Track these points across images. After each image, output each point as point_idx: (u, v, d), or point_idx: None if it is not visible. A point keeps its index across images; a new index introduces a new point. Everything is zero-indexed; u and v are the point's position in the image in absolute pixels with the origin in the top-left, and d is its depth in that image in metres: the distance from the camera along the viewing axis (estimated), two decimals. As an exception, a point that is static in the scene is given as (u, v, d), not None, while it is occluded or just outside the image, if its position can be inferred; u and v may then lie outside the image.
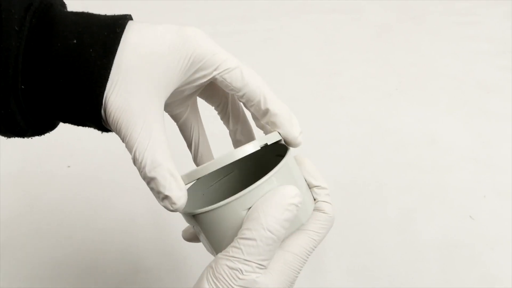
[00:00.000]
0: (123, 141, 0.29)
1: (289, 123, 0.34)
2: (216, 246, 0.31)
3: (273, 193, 0.29)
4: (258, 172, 0.37)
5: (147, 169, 0.28)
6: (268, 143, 0.31)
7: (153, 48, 0.29)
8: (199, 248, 0.56)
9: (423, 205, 0.60)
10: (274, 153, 0.36)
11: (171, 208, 0.28)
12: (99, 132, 0.31)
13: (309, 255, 0.31)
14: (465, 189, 0.62)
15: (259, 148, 0.31)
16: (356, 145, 0.66)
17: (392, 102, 0.71)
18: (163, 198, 0.28)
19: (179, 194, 0.28)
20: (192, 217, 0.31)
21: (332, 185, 0.38)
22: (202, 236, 0.32)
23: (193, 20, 0.77)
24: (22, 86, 0.27)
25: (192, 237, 0.38)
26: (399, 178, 0.63)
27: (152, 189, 0.29)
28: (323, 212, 0.32)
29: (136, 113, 0.28)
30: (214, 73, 0.31)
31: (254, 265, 0.28)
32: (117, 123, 0.28)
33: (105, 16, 0.30)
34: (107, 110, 0.28)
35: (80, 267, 0.55)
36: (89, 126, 0.31)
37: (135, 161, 0.29)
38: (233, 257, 0.28)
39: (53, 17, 0.28)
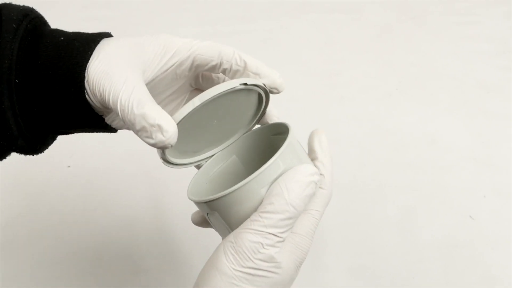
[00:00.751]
0: (108, 101, 0.29)
1: (268, 69, 0.36)
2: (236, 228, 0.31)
3: (294, 170, 0.30)
4: (256, 155, 0.37)
5: (135, 107, 0.28)
6: (248, 83, 0.32)
7: (130, 40, 0.32)
8: (199, 248, 0.56)
9: (423, 205, 0.60)
10: (270, 134, 0.36)
11: (164, 138, 0.28)
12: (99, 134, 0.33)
13: (314, 234, 0.32)
14: (465, 189, 0.62)
15: (239, 85, 0.32)
16: (356, 145, 0.66)
17: (392, 102, 0.71)
18: (155, 130, 0.28)
19: (171, 122, 0.28)
20: (209, 204, 0.31)
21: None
22: (219, 222, 0.32)
23: (193, 20, 0.77)
24: (16, 80, 0.29)
25: (202, 221, 0.38)
26: (399, 178, 0.63)
27: (141, 129, 0.28)
28: (322, 188, 0.33)
29: (117, 74, 0.29)
30: (189, 53, 0.33)
31: (275, 238, 0.29)
32: (100, 85, 0.29)
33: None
34: (89, 78, 0.30)
35: (80, 267, 0.55)
36: (82, 127, 0.33)
37: (121, 108, 0.28)
38: (255, 230, 0.29)
39: (45, 24, 0.33)
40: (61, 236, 0.57)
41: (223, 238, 0.33)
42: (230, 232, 0.32)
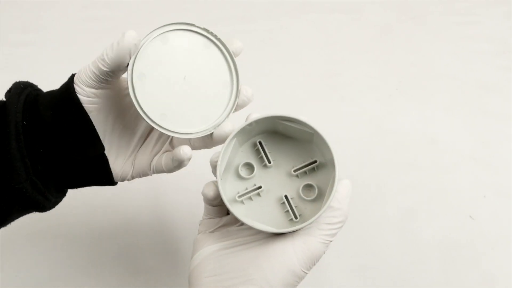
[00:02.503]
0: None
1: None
2: None
3: (342, 187, 0.39)
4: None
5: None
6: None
7: None
8: (199, 248, 0.56)
9: (423, 205, 0.60)
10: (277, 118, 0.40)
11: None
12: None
13: None
14: (465, 189, 0.62)
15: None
16: (356, 145, 0.66)
17: (392, 102, 0.71)
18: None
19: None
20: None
21: (332, 185, 0.38)
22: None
23: (193, 20, 0.77)
24: (24, 122, 0.36)
25: (216, 196, 0.40)
26: (399, 178, 0.63)
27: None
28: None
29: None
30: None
31: (329, 245, 0.37)
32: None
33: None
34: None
35: (80, 267, 0.55)
36: (87, 167, 0.39)
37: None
38: (323, 240, 0.37)
39: (38, 90, 0.41)
40: (61, 236, 0.57)
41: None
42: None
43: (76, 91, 0.37)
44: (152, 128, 0.43)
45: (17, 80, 0.40)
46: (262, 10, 0.81)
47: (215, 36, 0.41)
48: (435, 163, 0.64)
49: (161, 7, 0.79)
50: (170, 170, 0.42)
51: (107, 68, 0.37)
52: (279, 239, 0.37)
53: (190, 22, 0.40)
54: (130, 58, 0.37)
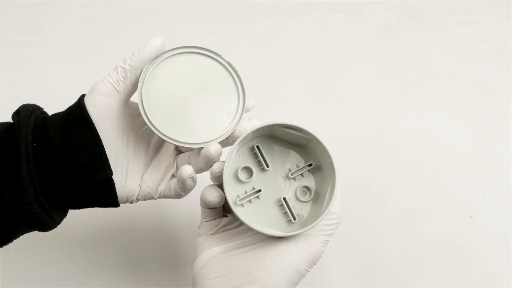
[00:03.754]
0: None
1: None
2: None
3: (335, 192, 0.39)
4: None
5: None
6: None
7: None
8: (199, 248, 0.56)
9: (423, 205, 0.60)
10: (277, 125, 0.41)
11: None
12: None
13: None
14: (465, 189, 0.62)
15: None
16: (356, 145, 0.66)
17: (392, 102, 0.71)
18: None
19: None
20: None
21: (332, 185, 0.38)
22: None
23: (193, 20, 0.77)
24: (35, 144, 0.37)
25: (220, 201, 0.41)
26: (399, 178, 0.63)
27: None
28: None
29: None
30: None
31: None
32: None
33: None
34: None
35: (80, 267, 0.55)
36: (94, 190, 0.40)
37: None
38: (323, 240, 0.38)
39: (45, 113, 0.42)
40: (61, 236, 0.57)
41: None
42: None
43: (87, 103, 0.39)
44: (159, 151, 0.45)
45: (24, 103, 0.41)
46: (262, 10, 0.81)
47: (236, 72, 0.43)
48: (435, 163, 0.64)
49: (161, 7, 0.79)
50: (177, 195, 0.44)
51: (129, 66, 0.39)
52: (282, 240, 0.38)
53: (219, 53, 0.43)
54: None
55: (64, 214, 0.42)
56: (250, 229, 0.40)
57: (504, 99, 0.72)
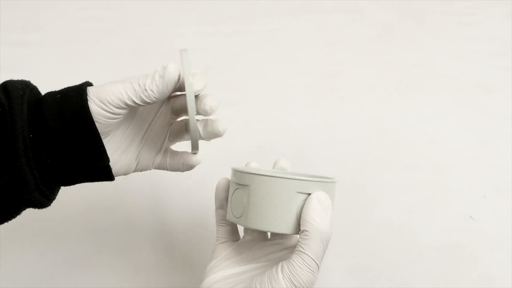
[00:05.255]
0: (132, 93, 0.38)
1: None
2: (261, 213, 0.38)
3: (315, 203, 0.38)
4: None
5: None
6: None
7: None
8: (199, 248, 0.56)
9: (423, 205, 0.60)
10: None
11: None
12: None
13: None
14: (465, 189, 0.62)
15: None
16: (356, 145, 0.66)
17: (392, 102, 0.71)
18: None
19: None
20: (251, 176, 0.38)
21: (332, 185, 0.38)
22: (240, 198, 0.38)
23: (194, 20, 0.77)
24: (31, 135, 0.36)
25: (225, 189, 0.43)
26: (399, 178, 0.63)
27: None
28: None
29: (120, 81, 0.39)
30: None
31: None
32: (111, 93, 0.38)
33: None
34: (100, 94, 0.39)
35: (80, 267, 0.55)
36: (89, 169, 0.40)
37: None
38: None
39: (39, 92, 0.41)
40: (61, 236, 0.57)
41: (231, 216, 0.40)
42: (242, 213, 0.38)
43: (90, 100, 0.38)
44: (155, 126, 0.45)
45: (11, 79, 0.39)
46: (262, 10, 0.81)
47: None
48: (435, 163, 0.64)
49: (161, 7, 0.79)
50: (174, 169, 0.45)
51: (154, 99, 0.39)
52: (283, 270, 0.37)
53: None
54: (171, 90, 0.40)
55: (58, 190, 0.43)
56: (258, 256, 0.41)
57: (504, 99, 0.72)
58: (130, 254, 0.56)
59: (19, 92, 0.37)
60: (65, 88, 0.40)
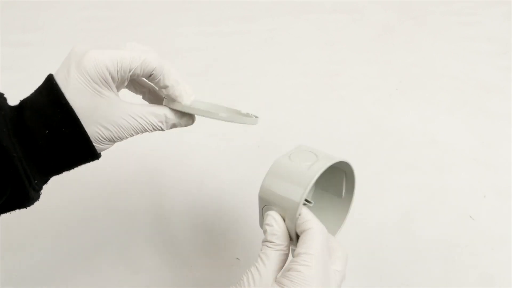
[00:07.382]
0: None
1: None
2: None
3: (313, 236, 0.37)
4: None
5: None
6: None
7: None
8: (199, 248, 0.56)
9: (423, 205, 0.60)
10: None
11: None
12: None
13: None
14: (465, 189, 0.62)
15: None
16: (356, 145, 0.66)
17: (392, 102, 0.71)
18: None
19: None
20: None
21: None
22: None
23: (193, 20, 0.77)
24: (20, 150, 0.35)
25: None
26: (399, 178, 0.63)
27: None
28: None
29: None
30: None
31: None
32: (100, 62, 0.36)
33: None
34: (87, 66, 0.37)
35: (80, 267, 0.55)
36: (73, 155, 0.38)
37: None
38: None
39: (4, 100, 0.38)
40: (61, 236, 0.57)
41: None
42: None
43: (69, 98, 0.36)
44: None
45: None
46: (262, 10, 0.81)
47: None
48: (435, 163, 0.64)
49: (161, 7, 0.79)
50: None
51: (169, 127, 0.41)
52: None
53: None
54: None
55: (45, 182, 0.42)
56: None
57: (504, 99, 0.72)
58: (130, 254, 0.56)
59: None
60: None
